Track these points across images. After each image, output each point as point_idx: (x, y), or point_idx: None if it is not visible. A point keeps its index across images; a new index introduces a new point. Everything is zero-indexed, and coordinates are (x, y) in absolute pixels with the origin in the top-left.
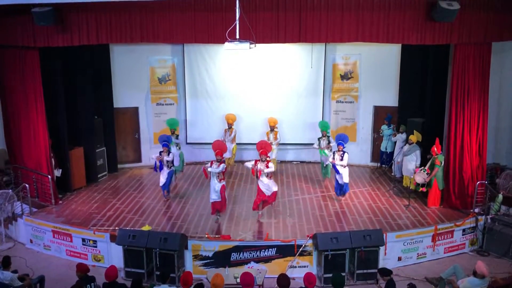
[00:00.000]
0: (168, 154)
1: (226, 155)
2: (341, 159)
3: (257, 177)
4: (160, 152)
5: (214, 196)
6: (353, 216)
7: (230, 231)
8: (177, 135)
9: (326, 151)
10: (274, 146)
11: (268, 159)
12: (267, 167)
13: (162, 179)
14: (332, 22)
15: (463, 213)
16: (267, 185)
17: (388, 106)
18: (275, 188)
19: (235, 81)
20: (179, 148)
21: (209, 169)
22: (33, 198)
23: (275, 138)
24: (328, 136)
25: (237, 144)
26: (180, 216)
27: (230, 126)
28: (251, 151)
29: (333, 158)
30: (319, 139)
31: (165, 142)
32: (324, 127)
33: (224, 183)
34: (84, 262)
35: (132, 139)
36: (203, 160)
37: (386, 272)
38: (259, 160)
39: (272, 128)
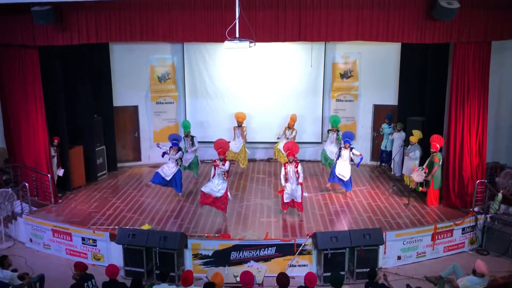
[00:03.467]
0: (177, 153)
1: (234, 150)
2: (352, 155)
3: (285, 180)
4: (170, 148)
5: (212, 192)
6: (353, 215)
7: (230, 230)
8: (192, 137)
9: (327, 152)
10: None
11: (296, 160)
12: (297, 170)
13: (166, 171)
14: (331, 21)
15: (462, 212)
16: (293, 190)
17: (388, 104)
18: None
19: (235, 80)
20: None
21: (218, 170)
22: (33, 197)
23: (291, 134)
24: (338, 131)
25: None
26: (180, 215)
27: (240, 125)
28: (251, 150)
29: (339, 156)
30: (328, 131)
31: (175, 140)
32: (334, 122)
33: (227, 182)
34: (84, 261)
35: (131, 138)
36: (203, 159)
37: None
38: (287, 163)
39: (290, 126)
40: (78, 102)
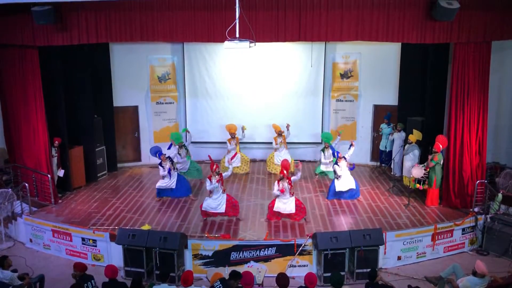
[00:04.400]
0: (169, 159)
1: (235, 163)
2: (348, 157)
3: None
4: (160, 164)
5: (212, 209)
6: (353, 215)
7: (229, 230)
8: (183, 144)
9: (323, 167)
10: (285, 150)
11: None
12: (290, 183)
13: (167, 182)
14: (332, 20)
15: (462, 212)
16: (287, 203)
17: (388, 105)
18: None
19: (235, 80)
20: (187, 153)
21: (209, 187)
22: (33, 197)
23: (284, 142)
24: (331, 147)
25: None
26: (180, 215)
27: (233, 136)
28: (251, 150)
29: (346, 160)
30: (322, 150)
31: (158, 152)
32: (326, 139)
33: (225, 196)
34: (84, 262)
35: (131, 138)
36: (203, 159)
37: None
38: (280, 180)
39: (280, 133)
40: (78, 102)
